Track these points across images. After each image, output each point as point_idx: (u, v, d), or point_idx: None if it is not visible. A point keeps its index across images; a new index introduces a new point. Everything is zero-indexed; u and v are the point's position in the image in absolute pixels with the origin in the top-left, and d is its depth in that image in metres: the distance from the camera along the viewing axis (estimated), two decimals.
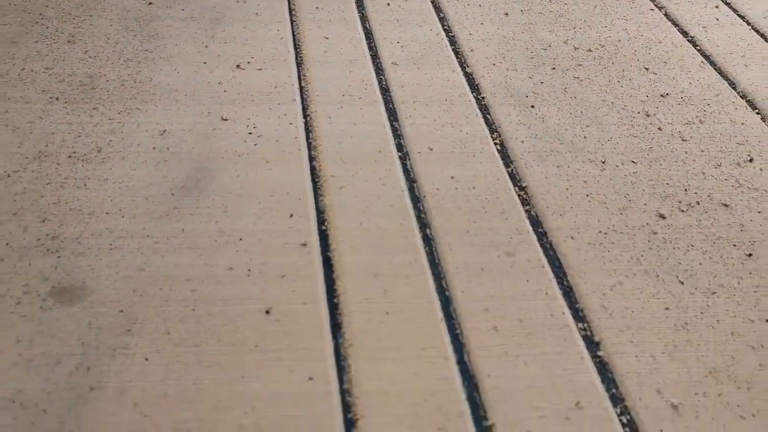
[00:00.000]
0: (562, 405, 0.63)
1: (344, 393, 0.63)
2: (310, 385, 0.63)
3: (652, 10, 1.22)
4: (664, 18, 1.20)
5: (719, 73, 1.07)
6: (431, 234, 0.78)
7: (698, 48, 1.13)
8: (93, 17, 1.09)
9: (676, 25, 1.19)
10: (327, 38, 1.09)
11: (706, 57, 1.11)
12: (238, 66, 1.01)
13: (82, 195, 0.79)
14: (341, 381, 0.64)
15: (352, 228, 0.78)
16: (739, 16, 1.22)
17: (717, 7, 1.24)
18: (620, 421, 0.62)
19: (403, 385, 0.63)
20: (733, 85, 1.05)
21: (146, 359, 0.64)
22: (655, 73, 1.06)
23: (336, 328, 0.68)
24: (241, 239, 0.75)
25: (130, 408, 0.60)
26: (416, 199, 0.82)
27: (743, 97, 1.02)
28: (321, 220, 0.79)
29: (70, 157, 0.84)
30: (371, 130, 0.91)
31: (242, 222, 0.77)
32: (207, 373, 0.63)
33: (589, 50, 1.10)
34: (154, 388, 0.62)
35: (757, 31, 1.17)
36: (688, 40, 1.15)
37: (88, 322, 0.67)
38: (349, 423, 0.61)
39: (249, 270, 0.72)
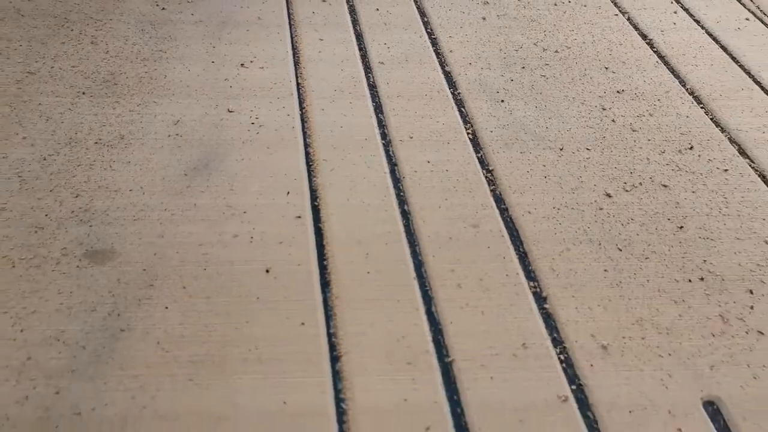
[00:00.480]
0: (511, 345, 0.76)
1: (330, 335, 0.76)
2: (302, 329, 0.76)
3: (617, 15, 1.36)
4: (627, 23, 1.34)
5: (671, 72, 1.20)
6: (408, 209, 0.91)
7: (655, 49, 1.26)
8: (113, 21, 1.22)
9: (636, 29, 1.32)
10: (321, 40, 1.22)
11: (661, 57, 1.24)
12: (242, 65, 1.14)
13: (108, 175, 0.92)
14: (328, 326, 0.77)
15: (340, 203, 0.91)
16: (695, 20, 1.35)
17: (675, 12, 1.38)
18: (558, 358, 0.75)
19: (380, 330, 0.77)
20: (683, 82, 1.18)
21: (166, 308, 0.77)
22: (614, 72, 1.19)
23: (325, 284, 0.81)
24: (245, 212, 0.89)
25: (154, 345, 0.73)
26: (396, 180, 0.95)
27: (691, 93, 1.15)
28: (314, 197, 0.92)
29: (96, 143, 0.97)
30: (359, 121, 1.05)
31: (246, 198, 0.91)
32: (217, 318, 0.76)
33: (556, 51, 1.24)
34: (173, 330, 0.75)
35: (710, 35, 1.31)
36: (646, 43, 1.28)
37: (117, 278, 0.80)
38: (334, 358, 0.74)
39: (252, 237, 0.86)
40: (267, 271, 0.81)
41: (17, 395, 0.67)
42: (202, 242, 0.84)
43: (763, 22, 1.36)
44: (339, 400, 0.69)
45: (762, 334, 0.78)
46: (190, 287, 0.79)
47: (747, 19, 1.37)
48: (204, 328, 0.75)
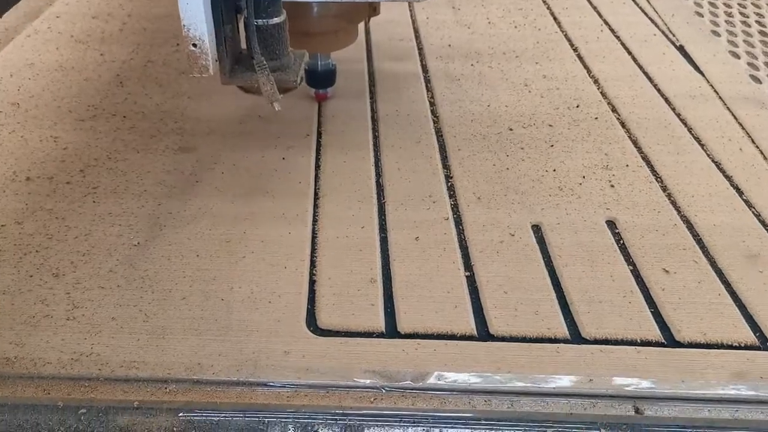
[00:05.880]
0: (422, 195, 1.28)
1: (316, 193, 1.30)
2: (301, 186, 1.30)
3: (556, 32, 1.89)
4: (563, 37, 1.87)
5: (583, 65, 1.72)
6: (378, 135, 1.46)
7: (576, 53, 1.79)
8: None
9: (569, 40, 1.85)
10: None
11: (580, 57, 1.76)
12: None
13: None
14: (315, 184, 1.31)
15: (336, 132, 1.46)
16: (616, 36, 1.87)
17: (602, 30, 1.90)
18: (449, 202, 1.27)
19: (347, 192, 1.30)
20: (590, 72, 1.70)
21: (222, 173, 1.33)
22: (542, 65, 1.72)
23: (317, 166, 1.36)
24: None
25: (219, 178, 1.29)
26: (375, 120, 1.50)
27: (593, 79, 1.67)
28: (319, 133, 1.47)
29: None
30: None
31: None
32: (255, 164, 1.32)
33: (504, 53, 1.78)
34: (231, 179, 1.31)
35: (623, 45, 1.82)
36: (572, 48, 1.81)
37: (196, 159, 1.37)
38: (316, 194, 1.27)
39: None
40: (283, 158, 1.37)
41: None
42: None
43: (667, 36, 1.87)
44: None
45: (579, 196, 1.26)
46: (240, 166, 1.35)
47: (654, 35, 1.88)
48: (246, 173, 1.30)
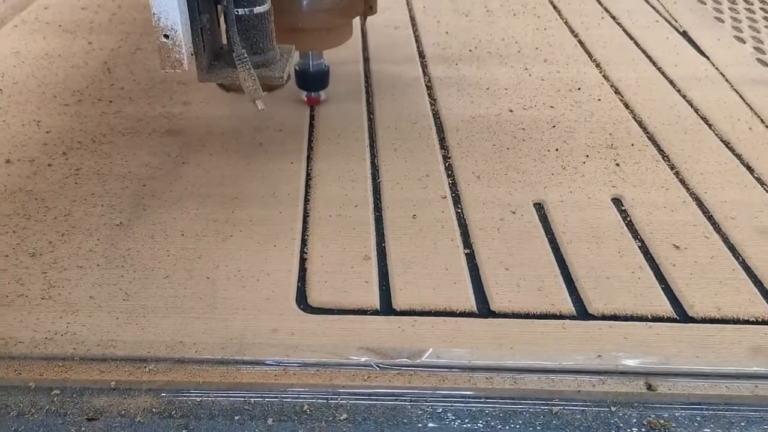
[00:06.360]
0: (419, 175, 1.22)
1: (308, 174, 1.24)
2: (292, 167, 1.25)
3: (556, 20, 1.85)
4: (563, 24, 1.82)
5: (584, 51, 1.67)
6: (373, 116, 1.40)
7: (577, 38, 1.74)
8: None
9: (569, 27, 1.80)
10: None
11: (581, 43, 1.72)
12: None
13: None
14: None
15: (329, 115, 1.41)
16: (617, 22, 1.83)
17: (603, 17, 1.86)
18: (447, 181, 1.21)
19: (340, 173, 1.24)
20: (591, 56, 1.65)
21: (211, 154, 1.28)
22: (541, 50, 1.68)
23: (309, 147, 1.30)
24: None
25: (207, 159, 1.24)
26: (369, 102, 1.45)
27: (595, 63, 1.62)
28: (312, 116, 1.42)
29: None
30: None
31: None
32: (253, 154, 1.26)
33: (502, 39, 1.73)
34: (219, 160, 1.25)
35: (624, 30, 1.78)
36: (573, 35, 1.76)
37: (183, 141, 1.31)
38: (309, 177, 1.22)
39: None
40: (281, 129, 1.31)
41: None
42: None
43: (669, 23, 1.83)
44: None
45: (582, 174, 1.21)
46: (232, 145, 1.29)
47: (656, 21, 1.83)
48: (244, 164, 1.25)
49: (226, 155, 1.24)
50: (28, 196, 1.13)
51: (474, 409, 0.81)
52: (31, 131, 1.31)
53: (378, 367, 0.84)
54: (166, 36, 0.87)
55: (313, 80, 1.35)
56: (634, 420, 0.80)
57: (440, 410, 0.81)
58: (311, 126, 1.34)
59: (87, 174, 1.18)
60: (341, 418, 0.79)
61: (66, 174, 1.18)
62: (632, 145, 1.28)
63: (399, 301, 0.93)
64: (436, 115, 1.38)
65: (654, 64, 1.60)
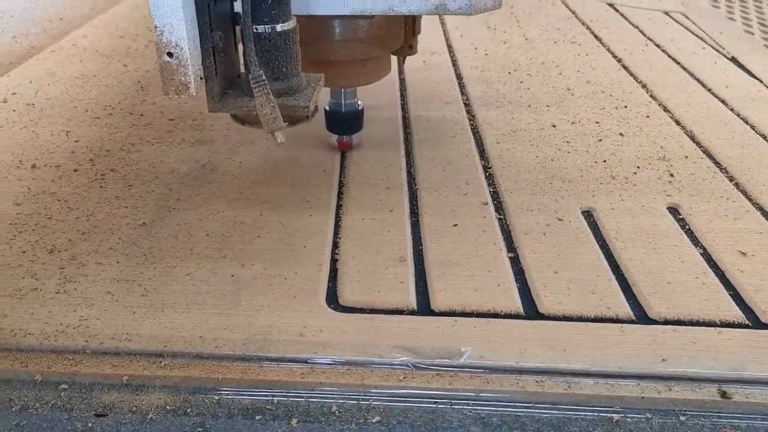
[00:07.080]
0: (459, 183, 1.16)
1: (341, 182, 1.19)
2: (325, 175, 1.19)
3: (598, 47, 1.80)
4: (605, 50, 1.77)
5: (629, 74, 1.62)
6: (409, 131, 1.35)
7: (621, 63, 1.68)
8: None
9: (611, 53, 1.75)
10: None
11: (624, 67, 1.66)
12: None
13: None
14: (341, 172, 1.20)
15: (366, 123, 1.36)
16: (661, 49, 1.77)
17: (647, 44, 1.80)
18: (489, 192, 1.14)
19: (375, 180, 1.18)
20: (636, 78, 1.59)
21: (240, 162, 1.23)
22: (584, 73, 1.62)
23: (342, 155, 1.25)
24: None
25: (236, 167, 1.19)
26: (405, 120, 1.40)
27: (641, 84, 1.56)
28: None
29: None
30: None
31: None
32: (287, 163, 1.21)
33: (542, 63, 1.68)
34: (250, 166, 1.20)
35: (668, 54, 1.72)
36: (616, 59, 1.70)
37: (212, 150, 1.27)
38: (341, 184, 1.16)
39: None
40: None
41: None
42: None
43: (716, 50, 1.76)
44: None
45: (634, 184, 1.13)
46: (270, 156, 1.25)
47: (703, 48, 1.77)
48: (273, 167, 1.20)
49: (257, 164, 1.19)
50: (52, 197, 1.08)
51: (522, 414, 0.72)
52: (59, 140, 1.28)
53: (415, 367, 0.76)
54: (170, 54, 0.72)
55: (345, 122, 1.19)
56: (707, 430, 0.70)
57: (484, 415, 0.71)
58: None
59: (113, 179, 1.14)
60: (373, 420, 0.71)
61: (91, 179, 1.14)
62: (686, 157, 1.21)
63: (438, 302, 0.85)
64: (475, 130, 1.33)
65: (703, 85, 1.54)
